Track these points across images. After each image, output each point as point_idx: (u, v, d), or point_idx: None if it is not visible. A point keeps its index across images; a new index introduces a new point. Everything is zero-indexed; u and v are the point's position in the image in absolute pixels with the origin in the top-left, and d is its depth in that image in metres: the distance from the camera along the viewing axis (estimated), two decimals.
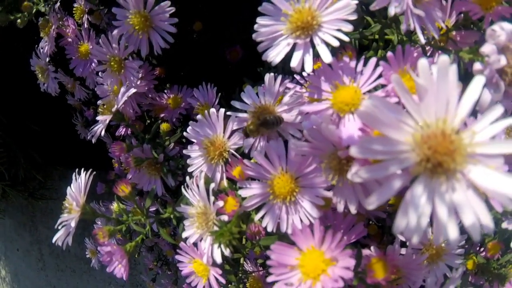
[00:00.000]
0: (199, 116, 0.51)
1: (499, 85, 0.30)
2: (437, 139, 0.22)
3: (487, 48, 0.30)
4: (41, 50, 0.78)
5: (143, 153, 0.63)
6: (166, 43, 0.55)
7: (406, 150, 0.23)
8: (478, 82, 0.23)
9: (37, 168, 1.28)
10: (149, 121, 0.76)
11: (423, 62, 0.23)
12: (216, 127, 0.50)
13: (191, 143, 0.53)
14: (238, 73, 0.64)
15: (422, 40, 0.31)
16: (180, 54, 0.75)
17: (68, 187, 0.48)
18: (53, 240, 0.48)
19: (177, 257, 0.48)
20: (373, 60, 0.34)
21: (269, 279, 0.31)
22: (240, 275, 0.59)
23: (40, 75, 0.82)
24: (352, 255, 0.29)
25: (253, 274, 0.66)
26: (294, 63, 0.36)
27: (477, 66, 0.31)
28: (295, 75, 0.47)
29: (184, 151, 0.53)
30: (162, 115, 0.73)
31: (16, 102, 1.17)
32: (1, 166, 1.12)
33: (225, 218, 0.39)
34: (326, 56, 0.34)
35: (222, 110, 0.49)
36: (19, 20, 0.71)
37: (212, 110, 0.50)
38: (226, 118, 0.49)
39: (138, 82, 0.65)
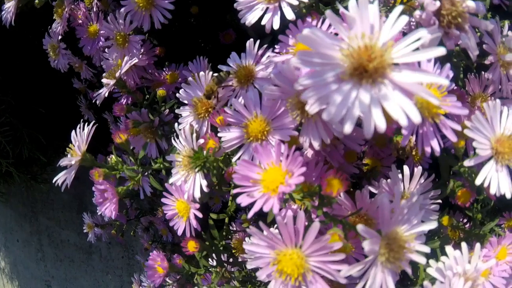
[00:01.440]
0: (190, 79, 0.60)
1: (436, 26, 0.37)
2: (361, 50, 0.29)
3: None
4: (54, 31, 0.88)
5: (140, 117, 0.71)
6: (165, 19, 0.65)
7: (338, 62, 0.29)
8: (396, 10, 0.30)
9: (41, 149, 1.37)
10: (148, 96, 0.85)
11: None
12: (204, 87, 0.59)
13: (184, 105, 0.62)
14: (230, 52, 0.73)
15: None
16: (179, 36, 0.84)
17: (73, 131, 0.57)
18: (54, 180, 0.56)
19: (163, 200, 0.56)
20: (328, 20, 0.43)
21: (234, 191, 0.39)
22: (224, 233, 0.67)
23: (51, 52, 0.92)
24: (304, 164, 0.36)
25: (237, 235, 0.74)
26: (265, 21, 0.45)
27: (416, 12, 0.39)
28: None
29: (177, 110, 0.62)
30: (160, 88, 0.82)
31: (24, 85, 1.27)
32: (7, 144, 1.21)
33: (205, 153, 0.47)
34: (290, 15, 0.43)
35: (210, 72, 0.58)
36: (37, 1, 0.81)
37: (202, 73, 0.59)
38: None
39: (140, 56, 0.74)
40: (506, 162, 0.43)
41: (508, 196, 0.41)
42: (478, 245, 0.48)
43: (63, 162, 0.58)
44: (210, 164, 0.45)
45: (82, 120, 0.58)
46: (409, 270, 0.39)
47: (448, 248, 0.46)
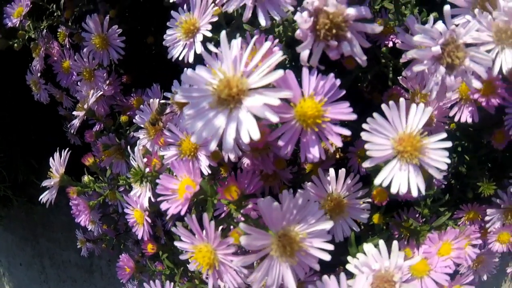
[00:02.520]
0: (142, 106, 0.76)
1: (310, 41, 0.44)
2: (226, 82, 0.40)
3: (297, 17, 0.44)
4: (34, 68, 1.07)
5: (109, 140, 0.88)
6: (120, 55, 0.82)
7: (209, 94, 0.42)
8: (265, 46, 0.43)
9: (35, 173, 1.56)
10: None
11: (221, 35, 0.43)
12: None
13: (140, 129, 0.78)
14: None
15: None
16: (143, 63, 1.01)
17: (50, 159, 0.74)
18: (39, 199, 0.73)
19: (125, 210, 0.73)
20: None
21: (159, 199, 0.55)
22: None
23: (34, 87, 1.10)
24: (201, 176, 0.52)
25: None
26: (181, 56, 0.62)
27: (297, 32, 0.44)
28: None
29: (134, 134, 0.79)
30: (128, 113, 0.99)
31: (16, 115, 1.46)
32: (3, 170, 1.40)
33: (147, 169, 0.64)
34: (198, 49, 0.59)
35: (157, 100, 0.75)
36: (15, 45, 1.00)
37: (151, 100, 0.76)
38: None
39: (106, 87, 0.91)
40: (410, 160, 0.47)
41: (411, 193, 0.46)
42: (395, 242, 0.51)
43: (44, 183, 0.75)
44: (149, 178, 0.61)
45: (56, 153, 0.74)
46: (316, 266, 0.46)
47: (366, 246, 0.52)
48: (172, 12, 0.64)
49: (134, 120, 0.78)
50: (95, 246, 1.35)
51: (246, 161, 0.67)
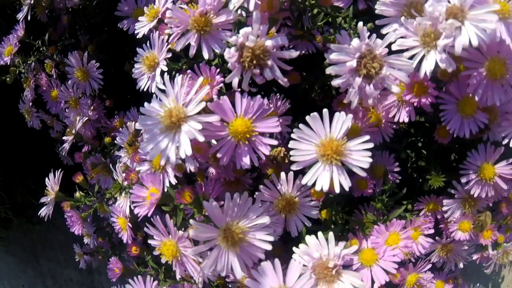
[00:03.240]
0: (121, 129, 0.93)
1: (237, 70, 0.58)
2: (169, 112, 0.56)
3: (225, 53, 0.58)
4: (25, 98, 1.24)
5: (96, 160, 1.05)
6: (99, 85, 0.99)
7: (159, 122, 0.57)
8: (199, 81, 0.61)
9: (32, 194, 1.73)
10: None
11: (165, 78, 0.60)
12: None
13: (121, 148, 0.94)
14: None
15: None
16: (121, 88, 1.18)
17: (46, 179, 0.90)
18: (39, 213, 0.90)
19: (111, 219, 0.89)
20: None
21: (132, 206, 0.71)
22: None
23: (26, 115, 1.27)
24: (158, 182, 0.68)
25: None
26: (146, 87, 0.78)
27: (229, 65, 0.58)
28: None
29: (117, 153, 0.95)
30: (112, 134, 1.15)
31: (12, 139, 1.63)
32: (2, 192, 1.57)
33: (124, 183, 0.80)
34: (159, 80, 0.75)
35: (133, 123, 0.91)
36: (8, 79, 1.17)
37: (128, 123, 0.92)
38: None
39: (90, 113, 1.08)
40: (333, 161, 0.58)
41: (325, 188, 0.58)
42: (331, 234, 0.62)
43: (42, 200, 0.92)
44: (127, 190, 0.77)
45: (50, 173, 0.91)
46: (261, 255, 0.58)
47: (308, 237, 0.62)
48: (138, 49, 0.81)
49: (115, 141, 0.94)
50: (92, 258, 1.51)
51: (212, 170, 0.82)
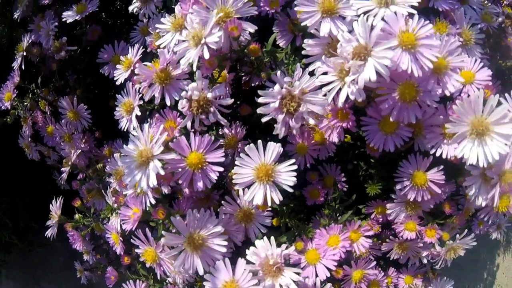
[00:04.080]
0: (109, 159, 1.18)
1: (189, 117, 0.89)
2: (139, 153, 0.82)
3: (179, 104, 0.93)
4: (24, 133, 1.50)
5: (91, 185, 1.30)
6: (88, 123, 1.25)
7: (134, 160, 0.84)
8: (161, 127, 0.87)
9: (33, 219, 1.99)
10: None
11: (137, 129, 0.86)
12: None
13: (110, 175, 1.20)
14: None
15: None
16: (108, 120, 1.43)
17: (50, 205, 1.16)
18: (45, 234, 1.15)
19: (106, 235, 1.14)
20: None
21: (121, 223, 0.96)
22: None
23: (26, 149, 1.52)
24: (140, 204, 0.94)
25: None
26: (126, 127, 1.03)
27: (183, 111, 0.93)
28: None
29: (107, 179, 1.20)
30: (103, 161, 1.41)
31: (14, 169, 1.90)
32: (5, 216, 1.83)
33: (114, 205, 1.05)
34: (135, 123, 1.01)
35: (119, 153, 1.16)
36: (8, 120, 1.43)
37: (115, 154, 1.17)
38: None
39: (83, 145, 1.34)
40: (264, 181, 0.81)
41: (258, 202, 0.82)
42: (272, 238, 0.83)
43: (48, 223, 1.18)
44: (117, 210, 1.03)
45: (53, 200, 1.17)
46: (219, 257, 0.80)
47: (257, 241, 0.83)
48: (117, 95, 1.06)
49: (105, 170, 1.20)
50: (92, 273, 1.76)
51: (186, 190, 1.08)
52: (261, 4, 1.06)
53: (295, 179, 0.82)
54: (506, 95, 0.85)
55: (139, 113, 0.99)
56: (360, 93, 0.75)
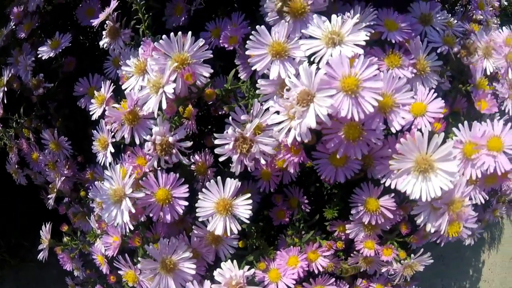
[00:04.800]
0: (91, 187, 1.36)
1: (155, 157, 1.09)
2: (113, 191, 1.01)
3: (145, 146, 1.11)
4: (11, 160, 1.67)
5: (75, 209, 1.48)
6: (70, 152, 1.42)
7: (110, 197, 1.03)
8: (129, 168, 1.04)
9: (24, 236, 2.18)
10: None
11: (110, 168, 1.04)
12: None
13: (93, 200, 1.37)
14: None
15: None
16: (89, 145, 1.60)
17: (40, 231, 1.34)
18: (38, 257, 1.33)
19: (93, 256, 1.32)
20: None
21: (104, 249, 1.14)
22: None
23: (14, 175, 1.70)
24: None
25: None
26: (103, 162, 1.21)
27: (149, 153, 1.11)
28: None
29: (91, 204, 1.38)
30: (86, 185, 1.58)
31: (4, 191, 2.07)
32: None
33: (98, 231, 1.23)
34: (109, 159, 1.18)
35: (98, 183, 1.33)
36: None
37: (96, 183, 1.34)
38: None
39: (66, 171, 1.51)
40: (225, 215, 0.95)
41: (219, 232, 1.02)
42: (235, 261, 0.99)
43: (39, 247, 1.36)
44: (100, 236, 1.20)
45: (42, 227, 1.35)
46: (189, 278, 0.99)
47: (223, 263, 0.98)
48: (93, 131, 1.23)
49: (88, 196, 1.37)
50: None
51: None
52: (221, 41, 1.22)
53: (250, 212, 0.97)
54: (460, 125, 0.97)
55: (113, 150, 1.15)
56: (306, 135, 0.81)
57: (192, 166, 1.23)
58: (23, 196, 2.10)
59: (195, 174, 1.23)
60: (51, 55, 1.39)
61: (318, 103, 0.79)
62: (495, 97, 1.15)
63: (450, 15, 1.24)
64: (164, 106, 0.94)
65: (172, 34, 0.97)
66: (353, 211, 1.10)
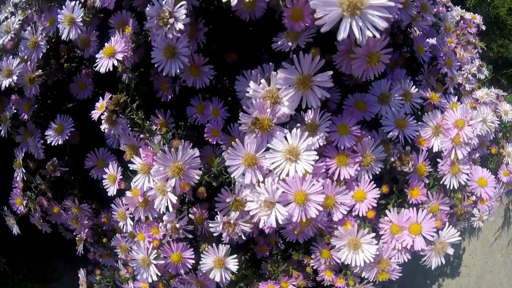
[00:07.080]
0: (117, 235, 1.81)
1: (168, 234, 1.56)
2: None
3: (160, 229, 1.57)
4: (34, 215, 2.08)
5: (100, 252, 1.95)
6: (90, 213, 1.86)
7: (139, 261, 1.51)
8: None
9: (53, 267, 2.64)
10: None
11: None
12: None
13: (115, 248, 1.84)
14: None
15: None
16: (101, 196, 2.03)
17: (79, 274, 1.82)
18: None
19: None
20: None
21: None
22: None
23: (38, 225, 2.11)
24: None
25: None
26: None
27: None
28: None
29: (113, 243, 1.84)
30: (104, 227, 2.02)
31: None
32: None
33: (126, 275, 1.71)
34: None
35: (119, 235, 1.79)
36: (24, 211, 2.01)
37: (117, 235, 1.79)
38: None
39: (86, 222, 1.94)
40: (220, 269, 1.46)
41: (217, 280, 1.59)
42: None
43: None
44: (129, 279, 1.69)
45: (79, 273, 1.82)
46: None
47: None
48: (112, 204, 1.66)
49: (110, 243, 1.83)
50: None
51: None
52: (205, 136, 1.55)
53: (238, 266, 1.48)
54: (391, 209, 1.33)
55: (132, 223, 1.60)
56: (272, 224, 1.19)
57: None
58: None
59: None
60: (59, 143, 1.75)
61: (277, 209, 1.17)
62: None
63: (413, 78, 1.47)
64: (170, 208, 1.40)
65: (166, 148, 1.39)
66: (312, 256, 1.55)
